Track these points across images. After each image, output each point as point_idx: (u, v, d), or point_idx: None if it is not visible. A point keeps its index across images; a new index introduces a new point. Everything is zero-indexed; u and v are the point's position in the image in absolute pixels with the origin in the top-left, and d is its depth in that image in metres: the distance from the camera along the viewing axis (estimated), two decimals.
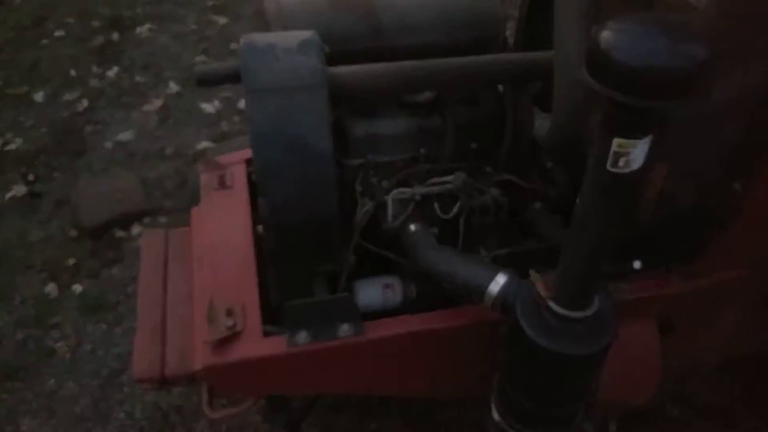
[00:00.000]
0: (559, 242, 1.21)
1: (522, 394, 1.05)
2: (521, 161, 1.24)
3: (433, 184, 1.17)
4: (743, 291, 1.20)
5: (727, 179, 1.05)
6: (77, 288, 2.11)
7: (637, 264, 1.08)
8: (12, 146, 2.68)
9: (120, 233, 2.30)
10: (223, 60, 3.20)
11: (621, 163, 0.71)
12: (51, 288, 2.11)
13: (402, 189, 1.15)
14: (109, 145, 2.69)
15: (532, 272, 0.98)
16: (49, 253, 2.23)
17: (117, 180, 2.47)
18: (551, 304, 0.92)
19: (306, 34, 1.02)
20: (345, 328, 1.12)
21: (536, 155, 1.23)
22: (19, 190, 2.47)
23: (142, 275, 1.45)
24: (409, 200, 1.16)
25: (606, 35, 0.64)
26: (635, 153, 0.70)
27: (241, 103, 2.90)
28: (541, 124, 1.17)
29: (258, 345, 1.13)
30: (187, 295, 1.37)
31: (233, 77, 1.29)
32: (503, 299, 1.00)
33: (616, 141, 0.69)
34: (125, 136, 2.73)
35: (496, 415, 1.14)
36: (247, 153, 1.56)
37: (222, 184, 1.47)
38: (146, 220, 2.35)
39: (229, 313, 1.17)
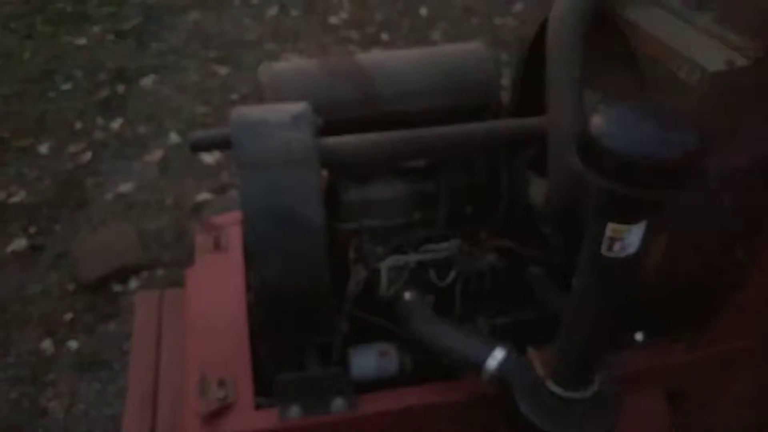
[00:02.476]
0: (557, 309, 1.19)
1: None
2: (518, 226, 1.23)
3: (429, 251, 1.15)
4: (753, 361, 1.16)
5: (729, 249, 1.02)
6: (73, 344, 2.08)
7: (638, 336, 1.05)
8: (15, 199, 2.70)
9: (117, 287, 2.28)
10: (224, 111, 3.24)
11: (616, 247, 0.69)
12: (47, 344, 2.08)
13: (396, 256, 1.13)
14: (109, 197, 2.70)
15: (529, 349, 0.95)
16: (47, 307, 2.21)
17: (115, 233, 2.47)
18: (549, 383, 0.89)
19: (298, 107, 1.02)
20: (338, 403, 1.08)
21: (532, 221, 1.21)
22: (20, 243, 2.47)
23: (135, 339, 1.43)
24: (403, 267, 1.14)
25: (596, 121, 0.63)
26: (630, 238, 0.68)
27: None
28: (535, 189, 1.16)
29: (249, 419, 1.09)
30: (180, 362, 1.35)
31: (227, 143, 1.30)
32: (501, 375, 0.97)
33: (609, 226, 0.68)
34: (126, 187, 2.74)
35: None
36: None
37: (217, 246, 1.45)
38: (144, 274, 2.33)
39: (221, 384, 1.13)
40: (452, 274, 1.16)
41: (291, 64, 1.26)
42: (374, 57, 1.28)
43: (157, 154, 2.93)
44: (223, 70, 3.56)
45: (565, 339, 0.83)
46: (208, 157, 2.89)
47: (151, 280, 2.31)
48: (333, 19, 4.11)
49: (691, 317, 1.12)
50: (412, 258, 1.13)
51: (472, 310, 1.19)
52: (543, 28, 1.13)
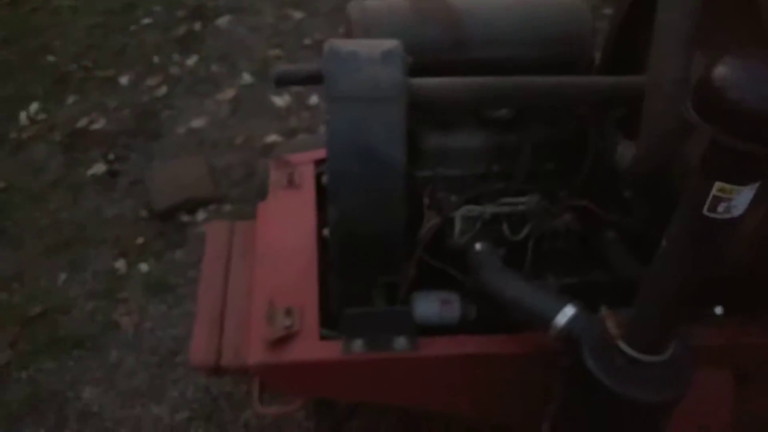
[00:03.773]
0: (630, 275, 1.16)
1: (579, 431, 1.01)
2: (598, 188, 1.19)
3: (505, 204, 1.14)
4: None
5: None
6: (143, 267, 2.20)
7: (718, 310, 1.01)
8: (97, 126, 2.83)
9: (186, 218, 2.38)
10: (296, 54, 3.25)
11: (720, 208, 0.66)
12: (120, 264, 2.21)
13: (471, 206, 1.13)
14: (182, 130, 2.79)
15: (603, 308, 0.93)
16: (121, 230, 2.34)
17: (187, 166, 2.56)
18: (621, 344, 0.88)
19: (390, 43, 1.01)
20: (401, 342, 1.11)
21: (615, 183, 1.17)
22: (99, 168, 2.60)
23: (205, 265, 1.48)
24: (477, 218, 1.14)
25: (721, 71, 0.60)
26: (738, 200, 0.65)
27: (312, 100, 2.94)
28: (623, 151, 1.11)
29: (313, 348, 1.13)
30: (247, 290, 1.40)
31: (312, 79, 1.30)
32: (569, 332, 0.96)
33: (717, 185, 0.65)
34: (198, 123, 2.82)
35: None
36: (317, 153, 1.57)
37: (291, 182, 1.48)
38: (211, 207, 2.42)
39: (288, 312, 1.18)
40: (526, 230, 1.15)
41: (381, 2, 1.24)
42: (466, 0, 1.24)
43: (229, 93, 2.98)
44: (297, 14, 3.54)
45: (647, 300, 0.81)
46: (279, 101, 2.93)
47: (219, 213, 2.39)
48: None
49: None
50: (488, 209, 1.12)
51: (543, 268, 1.18)
52: None
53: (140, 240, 2.30)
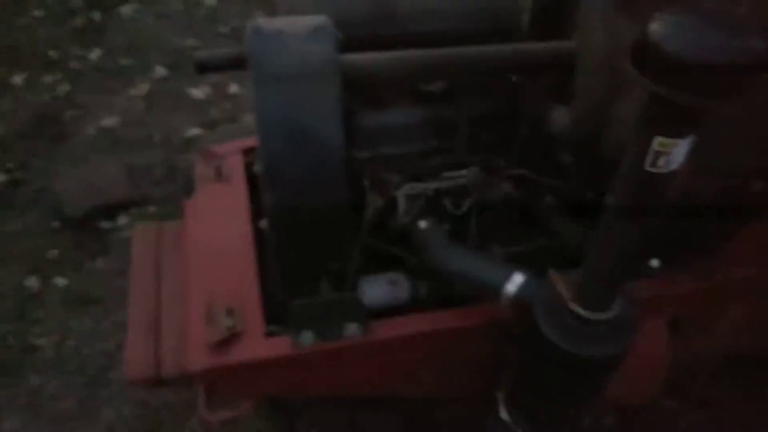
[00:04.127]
0: (571, 239, 1.18)
1: (535, 395, 1.02)
2: (535, 155, 1.20)
3: (446, 179, 1.12)
4: (749, 290, 1.19)
5: (748, 178, 1.02)
6: (60, 281, 2.03)
7: (655, 263, 1.05)
8: None
9: (105, 224, 2.21)
10: (212, 43, 3.10)
11: (661, 162, 0.67)
12: (32, 281, 2.02)
13: (413, 184, 1.10)
14: (91, 131, 2.59)
15: (551, 272, 0.94)
16: (30, 244, 2.14)
17: (101, 168, 2.37)
18: (572, 305, 0.89)
19: (317, 19, 0.96)
20: (352, 328, 1.07)
21: (551, 149, 1.19)
22: None
23: (133, 271, 1.38)
24: (420, 196, 1.12)
25: (657, 27, 0.60)
26: (676, 152, 0.66)
27: (232, 89, 2.81)
28: (556, 117, 1.13)
29: (260, 346, 1.08)
30: (182, 293, 1.32)
31: (236, 63, 1.23)
32: (520, 299, 0.97)
33: (657, 140, 0.65)
34: (109, 122, 2.62)
35: (504, 415, 1.12)
36: (244, 143, 1.50)
37: (219, 175, 1.40)
38: (133, 210, 2.26)
39: (230, 312, 1.11)
40: (468, 203, 1.14)
41: None
42: None
43: (142, 88, 2.80)
44: (209, 1, 3.37)
45: (597, 258, 0.82)
46: (197, 92, 2.78)
47: (142, 216, 2.24)
48: None
49: (701, 247, 1.13)
50: (430, 185, 1.10)
51: (488, 239, 1.18)
52: None
53: (53, 253, 2.12)
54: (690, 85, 0.59)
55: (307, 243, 1.04)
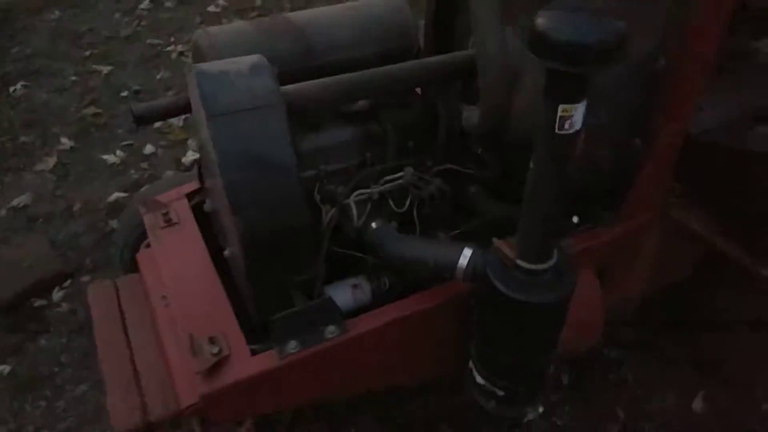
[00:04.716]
0: (497, 215, 1.36)
1: (503, 350, 1.16)
2: (455, 151, 1.37)
3: (386, 182, 1.26)
4: (654, 231, 1.42)
5: (629, 137, 1.25)
6: (4, 368, 1.93)
7: (575, 219, 1.24)
8: None
9: (39, 302, 2.13)
10: (116, 108, 3.09)
11: (566, 125, 0.85)
12: None
13: (360, 191, 1.23)
14: (3, 212, 2.49)
15: (495, 240, 1.10)
16: None
17: (22, 247, 2.29)
18: (519, 261, 1.05)
19: (253, 58, 1.07)
20: (331, 330, 1.17)
21: (467, 144, 1.37)
22: None
23: (98, 329, 1.39)
24: (367, 201, 1.24)
25: (542, 21, 0.78)
26: (576, 115, 0.84)
27: (148, 149, 2.82)
28: (467, 115, 1.31)
29: (250, 364, 1.14)
30: (153, 341, 1.35)
31: (175, 111, 1.31)
32: (473, 269, 1.12)
33: (561, 107, 0.83)
34: (21, 200, 2.54)
35: (479, 379, 1.25)
36: (185, 188, 1.56)
37: (169, 221, 1.46)
38: (66, 283, 2.20)
39: (212, 341, 1.17)
40: (408, 200, 1.28)
41: (227, 27, 1.29)
42: (303, 14, 1.35)
43: (49, 162, 2.73)
44: (104, 68, 3.36)
45: (528, 217, 0.99)
46: (111, 158, 2.76)
47: (77, 287, 2.19)
48: (212, 8, 4.02)
49: (608, 202, 1.35)
50: (375, 190, 1.23)
51: (431, 229, 1.32)
52: None
53: None
54: (573, 60, 0.78)
55: (276, 260, 1.13)
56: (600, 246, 1.35)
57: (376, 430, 1.75)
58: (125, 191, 2.58)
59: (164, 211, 1.47)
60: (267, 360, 1.15)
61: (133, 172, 2.70)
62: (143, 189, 2.58)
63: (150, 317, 1.39)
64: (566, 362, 1.87)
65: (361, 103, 1.32)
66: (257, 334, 1.21)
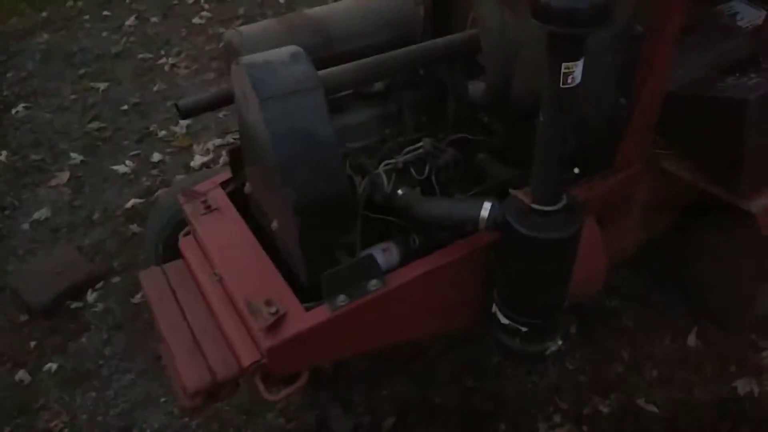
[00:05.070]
0: (505, 177, 1.53)
1: (524, 288, 1.33)
2: (463, 122, 1.54)
3: (408, 153, 1.42)
4: (643, 181, 1.61)
5: (616, 97, 1.43)
6: (50, 366, 2.05)
7: (576, 170, 1.41)
8: None
9: (75, 304, 2.26)
10: (119, 120, 3.21)
11: (569, 80, 1.02)
12: (22, 374, 2.03)
13: (388, 161, 1.39)
14: (26, 226, 2.61)
15: (510, 190, 1.27)
16: (5, 343, 2.14)
17: (52, 255, 2.42)
18: (534, 205, 1.22)
19: (291, 48, 1.23)
20: (374, 283, 1.33)
21: (473, 115, 1.54)
22: None
23: (156, 309, 1.52)
24: (392, 170, 1.41)
25: None
26: (577, 71, 1.02)
27: (155, 157, 2.94)
28: (473, 88, 1.48)
29: (305, 318, 1.29)
30: (206, 315, 1.49)
31: (218, 103, 1.46)
32: (494, 218, 1.28)
33: (564, 65, 1.01)
34: (41, 213, 2.65)
35: (504, 320, 1.41)
36: (219, 178, 1.70)
37: (209, 207, 1.60)
38: (99, 284, 2.32)
39: (268, 303, 1.32)
40: (427, 168, 1.45)
41: (255, 25, 1.45)
42: (319, 10, 1.51)
43: (62, 177, 2.85)
44: (100, 85, 3.48)
45: (541, 162, 1.16)
46: (122, 168, 2.88)
47: (109, 288, 2.31)
48: (196, 20, 4.15)
49: (603, 156, 1.53)
50: (399, 160, 1.40)
51: (449, 193, 1.49)
52: None
53: (32, 344, 2.13)
54: (572, 23, 0.95)
55: (323, 225, 1.28)
56: (598, 196, 1.53)
57: (406, 387, 1.92)
58: (140, 197, 2.70)
59: (203, 199, 1.61)
60: (320, 313, 1.30)
61: (144, 179, 2.83)
62: (178, 181, 2.71)
63: (199, 296, 1.53)
64: (573, 314, 2.05)
65: (378, 86, 1.48)
66: (305, 295, 1.37)
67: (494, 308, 1.44)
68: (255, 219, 1.57)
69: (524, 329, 1.39)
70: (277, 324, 1.28)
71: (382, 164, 1.39)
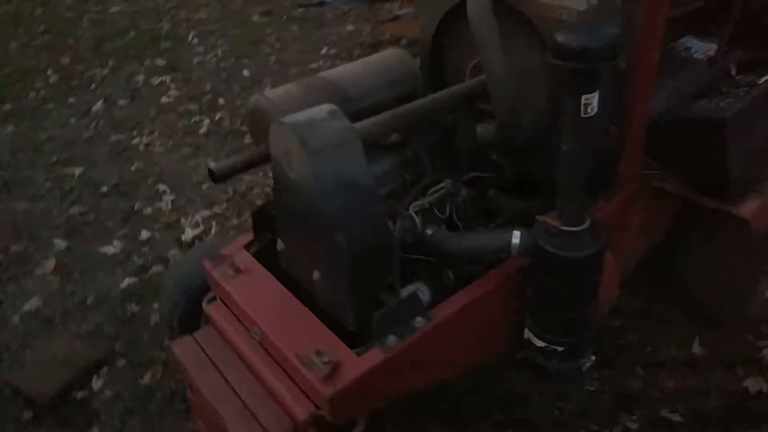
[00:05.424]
0: (516, 209, 1.64)
1: (558, 307, 1.41)
2: (473, 162, 1.66)
3: (432, 194, 1.52)
4: (639, 199, 1.75)
5: (608, 126, 1.59)
6: None
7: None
8: None
9: (81, 393, 2.16)
10: (100, 204, 3.18)
11: (589, 110, 1.16)
12: None
13: (414, 203, 1.48)
14: (16, 319, 2.50)
15: (537, 217, 1.38)
16: None
17: (49, 346, 2.32)
18: (563, 227, 1.32)
19: (327, 106, 1.32)
20: (419, 321, 1.38)
21: (484, 152, 1.66)
22: None
23: (197, 377, 1.51)
24: (419, 211, 1.49)
25: (563, 37, 1.10)
26: (594, 101, 1.16)
27: (143, 235, 2.92)
28: (482, 130, 1.61)
29: (360, 363, 1.32)
30: (248, 376, 1.49)
31: (249, 165, 1.52)
32: (525, 245, 1.38)
33: (584, 97, 1.14)
34: (31, 304, 2.55)
35: (539, 343, 1.48)
36: (242, 240, 1.73)
37: (237, 269, 1.62)
38: (103, 370, 2.24)
39: (319, 353, 1.34)
40: (448, 207, 1.54)
41: (278, 90, 1.54)
42: (334, 72, 1.63)
43: (48, 265, 2.77)
44: (75, 170, 3.45)
45: (566, 186, 1.27)
46: (110, 249, 2.83)
47: (115, 372, 2.23)
48: (165, 99, 4.23)
49: (605, 178, 1.66)
50: (426, 201, 1.49)
51: (471, 228, 1.58)
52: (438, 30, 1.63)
53: None
54: (587, 59, 1.09)
55: (372, 270, 1.34)
56: (604, 216, 1.66)
57: (439, 429, 1.92)
58: (135, 276, 2.66)
59: (231, 262, 1.64)
60: (374, 356, 1.33)
61: (136, 258, 2.79)
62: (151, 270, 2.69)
63: (237, 358, 1.53)
64: None
65: (395, 136, 1.59)
66: (348, 342, 1.39)
67: (527, 334, 1.51)
68: (285, 276, 1.60)
69: (561, 348, 1.46)
70: (333, 373, 1.30)
71: (411, 206, 1.47)
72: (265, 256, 1.66)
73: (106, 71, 4.75)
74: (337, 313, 1.42)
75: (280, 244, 1.55)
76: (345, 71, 1.65)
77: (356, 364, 1.32)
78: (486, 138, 1.60)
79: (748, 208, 1.64)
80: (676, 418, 1.93)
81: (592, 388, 2.05)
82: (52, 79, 4.67)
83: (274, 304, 1.52)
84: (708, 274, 2.00)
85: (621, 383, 2.05)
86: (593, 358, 1.54)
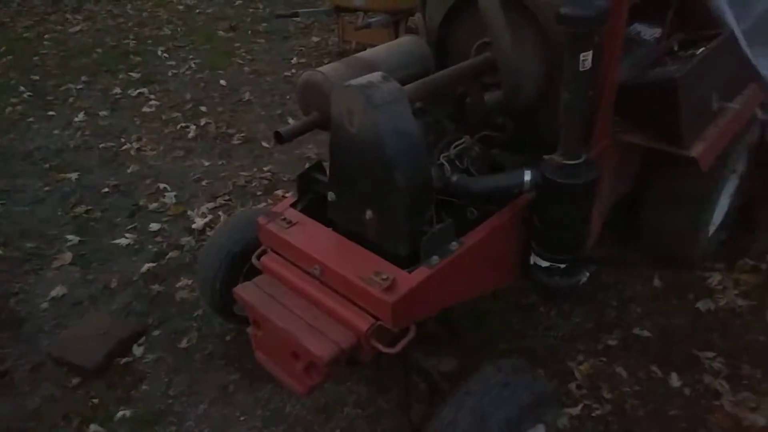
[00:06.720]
0: (516, 164, 2.01)
1: (561, 228, 1.77)
2: (481, 123, 2.02)
3: (455, 148, 1.86)
4: (611, 152, 2.16)
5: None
6: (123, 413, 2.11)
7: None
8: None
9: (125, 359, 2.33)
10: (102, 202, 3.32)
11: (586, 65, 1.54)
12: (94, 428, 2.06)
13: (442, 155, 1.82)
14: (45, 305, 2.62)
15: (545, 156, 1.74)
16: (62, 409, 2.15)
17: (86, 322, 2.47)
18: (564, 162, 1.69)
19: (379, 73, 1.63)
20: (454, 245, 1.70)
21: (491, 116, 2.03)
22: None
23: (264, 311, 1.75)
24: (446, 162, 1.83)
25: (565, 10, 1.47)
26: (589, 58, 1.54)
27: (153, 227, 3.09)
28: (489, 97, 1.96)
29: (412, 278, 1.62)
30: (308, 305, 1.75)
31: (314, 126, 1.81)
32: (535, 180, 1.74)
33: (581, 54, 1.52)
34: (57, 291, 2.68)
35: (544, 263, 1.84)
36: (288, 201, 2.01)
37: (290, 222, 1.89)
38: (142, 339, 2.41)
39: (377, 273, 1.64)
40: (466, 160, 1.89)
41: (325, 67, 1.85)
42: (368, 53, 1.96)
43: (65, 257, 2.89)
44: (71, 175, 3.57)
45: (568, 125, 1.63)
46: (123, 240, 2.99)
47: (153, 341, 2.41)
48: (146, 108, 4.39)
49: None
50: (452, 152, 1.83)
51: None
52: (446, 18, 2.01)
53: (93, 402, 2.17)
54: (583, 23, 1.48)
55: (420, 203, 1.65)
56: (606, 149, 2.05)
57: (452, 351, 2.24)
58: (153, 262, 2.84)
59: (282, 217, 1.91)
60: (422, 273, 1.63)
61: (150, 246, 2.96)
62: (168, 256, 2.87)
63: (296, 294, 1.79)
64: None
65: (418, 104, 1.93)
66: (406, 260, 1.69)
67: (533, 259, 1.87)
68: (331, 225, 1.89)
69: (563, 266, 1.82)
70: (392, 286, 1.60)
71: (442, 155, 1.81)
72: (309, 213, 1.94)
73: (80, 86, 4.85)
74: (389, 242, 1.72)
75: (331, 195, 1.84)
76: (377, 52, 1.97)
77: (409, 279, 1.62)
78: (492, 104, 1.96)
79: (696, 150, 2.08)
80: (646, 334, 2.34)
81: (577, 320, 2.43)
82: (26, 95, 4.72)
83: (329, 244, 1.81)
84: (664, 221, 2.44)
85: (600, 314, 2.45)
86: (587, 274, 1.92)
